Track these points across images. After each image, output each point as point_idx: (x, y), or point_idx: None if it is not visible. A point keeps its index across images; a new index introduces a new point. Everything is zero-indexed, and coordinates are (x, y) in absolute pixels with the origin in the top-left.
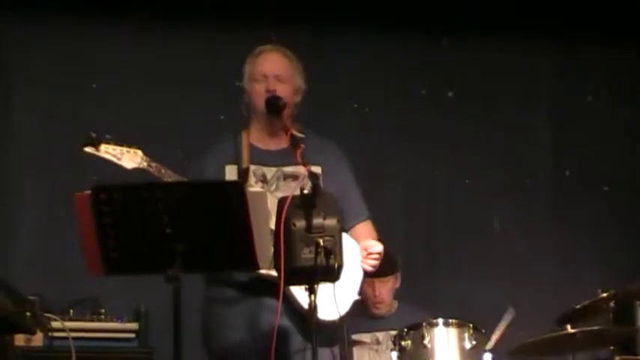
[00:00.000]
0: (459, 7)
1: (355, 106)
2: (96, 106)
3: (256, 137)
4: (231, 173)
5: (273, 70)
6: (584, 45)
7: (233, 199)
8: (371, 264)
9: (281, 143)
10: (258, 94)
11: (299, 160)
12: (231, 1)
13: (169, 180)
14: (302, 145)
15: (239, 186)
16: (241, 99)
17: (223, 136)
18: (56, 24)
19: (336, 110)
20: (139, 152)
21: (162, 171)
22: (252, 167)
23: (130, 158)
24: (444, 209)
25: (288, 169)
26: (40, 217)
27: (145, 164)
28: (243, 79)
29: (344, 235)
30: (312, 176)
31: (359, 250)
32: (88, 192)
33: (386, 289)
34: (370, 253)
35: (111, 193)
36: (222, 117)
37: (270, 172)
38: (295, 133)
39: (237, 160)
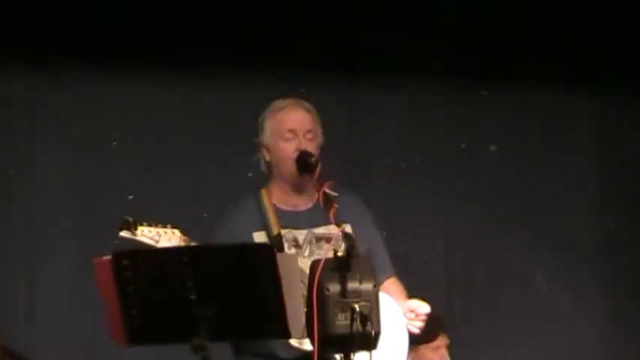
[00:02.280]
0: (496, 55)
1: (390, 161)
2: (116, 166)
3: (280, 198)
4: (259, 239)
5: (303, 126)
6: (625, 92)
7: (263, 263)
8: (418, 326)
9: (308, 202)
10: (286, 152)
11: (333, 220)
12: (255, 50)
13: None
14: (336, 205)
15: (269, 248)
16: (259, 156)
17: (243, 199)
18: (76, 79)
19: (371, 167)
20: (177, 232)
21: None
22: (283, 232)
23: (168, 239)
24: (484, 266)
25: (319, 231)
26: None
27: (183, 245)
28: (261, 135)
29: (383, 295)
30: (347, 237)
31: (402, 311)
32: (108, 257)
33: (439, 356)
34: (418, 315)
35: (134, 259)
36: (250, 174)
37: (301, 235)
38: (329, 191)
39: (265, 226)
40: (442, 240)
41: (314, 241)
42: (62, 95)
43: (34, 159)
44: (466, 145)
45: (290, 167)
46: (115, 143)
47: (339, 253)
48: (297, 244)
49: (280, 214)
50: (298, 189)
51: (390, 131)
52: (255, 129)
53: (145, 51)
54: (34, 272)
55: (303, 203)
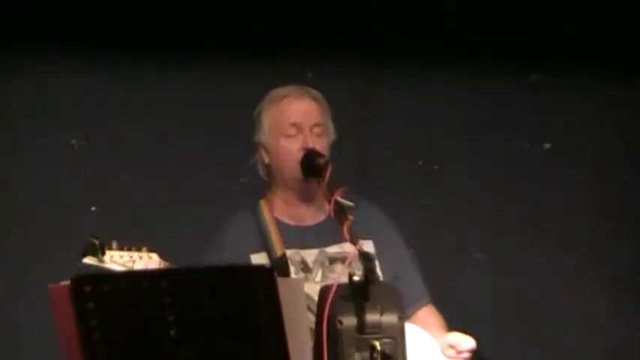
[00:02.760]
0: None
1: (420, 163)
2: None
3: (283, 210)
4: (259, 262)
5: (309, 120)
6: None
7: (260, 289)
8: None
9: (318, 215)
10: (289, 151)
11: (347, 236)
12: (252, 35)
13: None
14: (351, 217)
15: (267, 271)
16: (257, 158)
17: (238, 213)
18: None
19: (396, 169)
20: (155, 256)
21: None
22: (288, 252)
23: (144, 266)
24: (539, 292)
25: (333, 250)
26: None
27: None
28: (258, 132)
29: (416, 328)
30: (364, 257)
31: (440, 347)
32: (67, 283)
33: None
34: (460, 352)
35: (98, 285)
36: (244, 180)
37: (310, 255)
38: (342, 200)
39: (266, 246)
40: (487, 260)
41: (327, 263)
42: None
43: None
44: (512, 144)
45: (294, 171)
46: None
47: (355, 278)
48: (306, 267)
49: (284, 230)
50: (305, 198)
51: (417, 127)
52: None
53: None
54: None
55: (311, 216)
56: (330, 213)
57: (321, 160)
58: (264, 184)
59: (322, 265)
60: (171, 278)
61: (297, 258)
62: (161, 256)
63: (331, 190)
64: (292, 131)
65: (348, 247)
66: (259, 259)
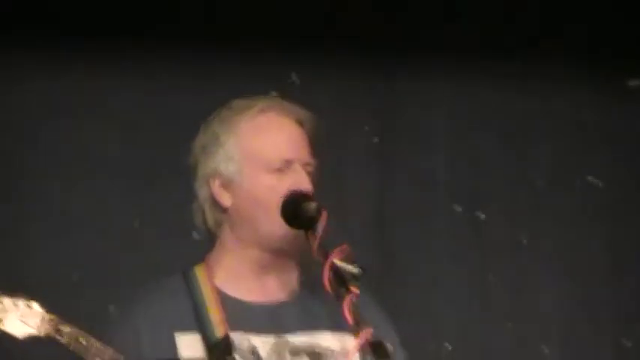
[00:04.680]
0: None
1: (460, 210)
2: None
3: (232, 278)
4: (189, 348)
5: (302, 155)
6: None
7: None
8: None
9: (284, 288)
10: (276, 192)
11: (349, 317)
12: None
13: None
14: (355, 289)
15: None
16: (203, 200)
17: (165, 279)
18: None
19: (421, 217)
20: (35, 307)
21: (82, 340)
22: (232, 336)
23: (20, 319)
24: None
25: (299, 339)
26: None
27: (49, 329)
28: (213, 160)
29: None
30: (377, 350)
31: None
32: None
33: None
34: None
35: None
36: (195, 235)
37: (265, 343)
38: (342, 264)
39: (200, 323)
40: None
41: (288, 357)
42: None
43: None
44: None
45: (276, 222)
46: None
47: None
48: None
49: (229, 305)
50: (280, 263)
51: (453, 158)
52: None
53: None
54: None
55: (275, 289)
56: (305, 284)
57: (312, 206)
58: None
59: (281, 358)
60: None
61: (245, 345)
62: (46, 307)
63: (325, 250)
64: (280, 165)
65: (325, 339)
66: (189, 341)
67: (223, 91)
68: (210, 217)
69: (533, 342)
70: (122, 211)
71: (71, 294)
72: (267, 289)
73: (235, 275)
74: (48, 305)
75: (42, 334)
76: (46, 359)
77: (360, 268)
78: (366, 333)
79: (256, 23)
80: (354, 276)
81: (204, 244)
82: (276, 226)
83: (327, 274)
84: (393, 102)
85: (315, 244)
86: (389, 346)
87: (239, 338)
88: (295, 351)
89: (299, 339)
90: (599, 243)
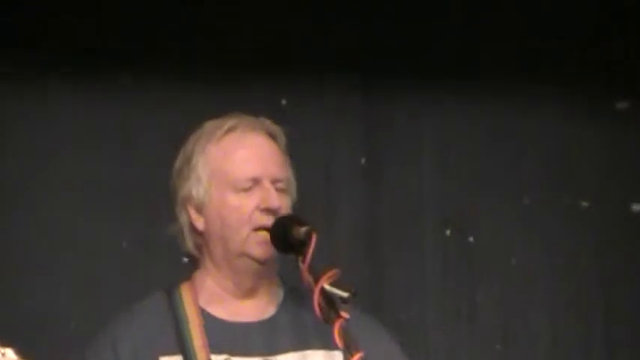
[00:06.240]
0: None
1: (448, 233)
2: None
3: (214, 298)
4: None
5: (271, 171)
6: None
7: None
8: None
9: (267, 308)
10: (242, 212)
11: (340, 341)
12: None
13: None
14: (344, 314)
15: None
16: (181, 224)
17: (149, 298)
18: None
19: (411, 239)
20: (9, 354)
21: None
22: (215, 358)
23: None
24: None
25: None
26: None
27: None
28: (186, 186)
29: None
30: None
31: None
32: None
33: None
34: None
35: None
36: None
37: None
38: (332, 289)
39: (183, 346)
40: None
41: None
42: None
43: None
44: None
45: (245, 242)
46: None
47: None
48: None
49: (213, 326)
50: (255, 284)
51: (442, 177)
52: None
53: None
54: None
55: (257, 309)
56: (288, 305)
57: (302, 230)
58: (188, 265)
59: None
60: None
61: None
62: (19, 353)
63: (315, 275)
64: (247, 184)
65: (316, 357)
66: None
67: (212, 116)
68: (190, 241)
69: None
70: (111, 231)
71: (58, 316)
72: (250, 309)
73: (218, 297)
74: (34, 325)
75: None
76: None
77: (350, 292)
78: (359, 357)
79: (244, 48)
80: (343, 300)
81: (193, 266)
82: (244, 248)
83: (317, 300)
84: (380, 122)
85: (304, 269)
86: None
87: None
88: None
89: (288, 359)
90: (588, 263)
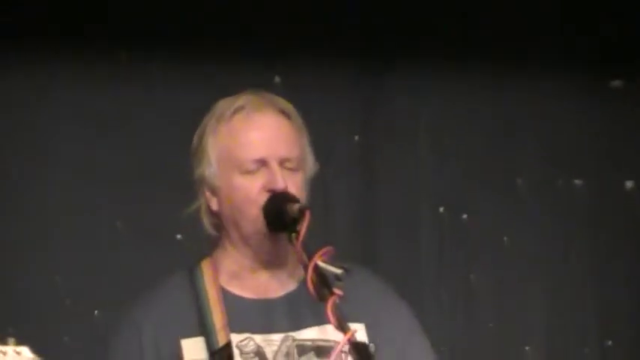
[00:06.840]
0: None
1: (441, 211)
2: None
3: (234, 276)
4: (193, 352)
5: (279, 149)
6: None
7: None
8: None
9: (286, 285)
10: (248, 193)
11: (332, 319)
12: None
13: None
14: (338, 291)
15: None
16: (199, 205)
17: (171, 278)
18: None
19: (408, 218)
20: (25, 352)
21: None
22: (236, 338)
23: None
24: None
25: (306, 335)
26: None
27: None
28: (201, 167)
29: None
30: (359, 351)
31: None
32: None
33: None
34: None
35: None
36: (179, 237)
37: (270, 344)
38: (325, 265)
39: (204, 327)
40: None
41: (295, 356)
42: None
43: None
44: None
45: (255, 221)
46: None
47: None
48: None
49: (233, 305)
50: (271, 261)
51: (439, 159)
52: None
53: None
54: None
55: (276, 286)
56: (306, 282)
57: (295, 207)
58: (209, 242)
59: (288, 357)
60: None
61: (249, 347)
62: (35, 351)
63: (309, 252)
64: (253, 166)
65: (332, 334)
66: (194, 345)
67: (206, 95)
68: (207, 219)
69: (515, 342)
70: (106, 212)
71: (55, 297)
72: (271, 285)
73: (238, 275)
74: (31, 309)
75: None
76: None
77: (343, 268)
78: (352, 332)
79: (239, 25)
80: (337, 277)
81: (188, 245)
82: (255, 226)
83: (309, 276)
84: (376, 104)
85: (297, 246)
86: (371, 347)
87: (242, 341)
88: (302, 349)
89: (305, 334)
90: (582, 243)
